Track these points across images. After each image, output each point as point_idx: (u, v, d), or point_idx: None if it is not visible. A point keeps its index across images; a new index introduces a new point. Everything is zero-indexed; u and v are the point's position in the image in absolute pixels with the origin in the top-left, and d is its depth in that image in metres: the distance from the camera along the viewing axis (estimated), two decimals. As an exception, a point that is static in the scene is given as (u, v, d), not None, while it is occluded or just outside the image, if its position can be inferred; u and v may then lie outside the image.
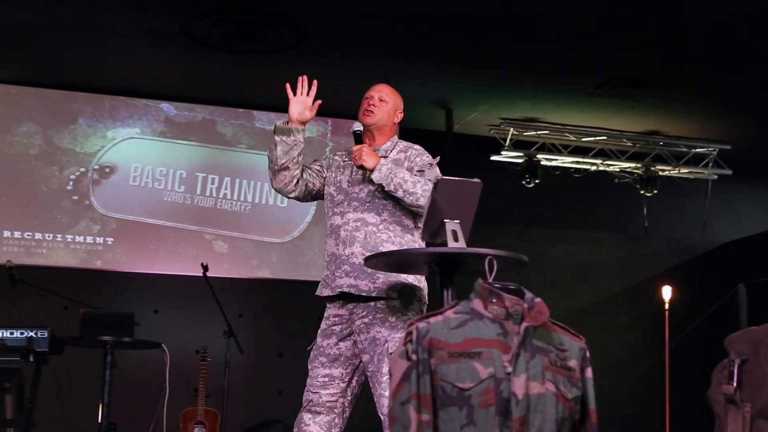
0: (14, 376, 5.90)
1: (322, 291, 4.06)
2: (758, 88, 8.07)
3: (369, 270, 3.87)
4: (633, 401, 9.18)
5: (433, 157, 4.15)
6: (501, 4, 6.57)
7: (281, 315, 8.31)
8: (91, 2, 6.64)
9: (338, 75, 7.76)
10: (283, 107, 4.10)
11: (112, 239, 8.19)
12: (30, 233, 7.99)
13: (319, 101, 4.08)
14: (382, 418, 3.83)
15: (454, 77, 8.04)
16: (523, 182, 9.21)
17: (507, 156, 9.24)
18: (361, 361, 3.96)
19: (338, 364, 3.96)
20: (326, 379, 3.95)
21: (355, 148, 4.00)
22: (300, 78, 4.08)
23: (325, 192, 4.18)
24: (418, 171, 4.03)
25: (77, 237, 8.11)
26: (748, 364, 2.46)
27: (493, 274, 2.37)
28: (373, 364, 3.88)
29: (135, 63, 7.77)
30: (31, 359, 5.34)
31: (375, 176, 3.92)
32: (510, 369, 2.20)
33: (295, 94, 4.07)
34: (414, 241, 4.04)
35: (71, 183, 8.19)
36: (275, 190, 4.16)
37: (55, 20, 6.93)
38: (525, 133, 9.19)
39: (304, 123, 4.07)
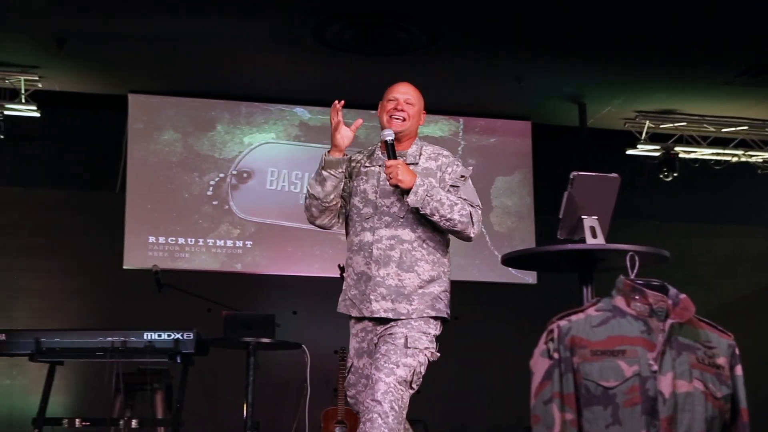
0: (163, 377, 6.09)
1: (350, 311, 3.85)
2: None
3: (406, 291, 3.68)
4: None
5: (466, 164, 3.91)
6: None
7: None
8: (225, 11, 6.82)
9: (470, 73, 7.74)
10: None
11: (251, 242, 8.39)
12: (173, 238, 8.25)
13: (355, 125, 3.85)
14: (371, 404, 3.50)
15: (586, 71, 7.91)
16: (661, 176, 9.01)
17: (643, 149, 9.06)
18: None
19: None
20: None
21: (390, 164, 3.68)
22: (338, 103, 3.89)
23: (350, 203, 3.89)
24: (451, 186, 3.76)
25: (218, 241, 8.33)
26: None
27: (635, 271, 2.33)
28: (380, 352, 3.65)
29: (269, 69, 7.94)
30: (178, 360, 5.43)
31: (411, 200, 3.64)
32: (656, 367, 2.15)
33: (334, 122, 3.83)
34: (444, 258, 3.81)
35: (211, 188, 8.41)
36: (317, 226, 3.91)
37: (191, 30, 7.14)
38: (661, 126, 8.99)
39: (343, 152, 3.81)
